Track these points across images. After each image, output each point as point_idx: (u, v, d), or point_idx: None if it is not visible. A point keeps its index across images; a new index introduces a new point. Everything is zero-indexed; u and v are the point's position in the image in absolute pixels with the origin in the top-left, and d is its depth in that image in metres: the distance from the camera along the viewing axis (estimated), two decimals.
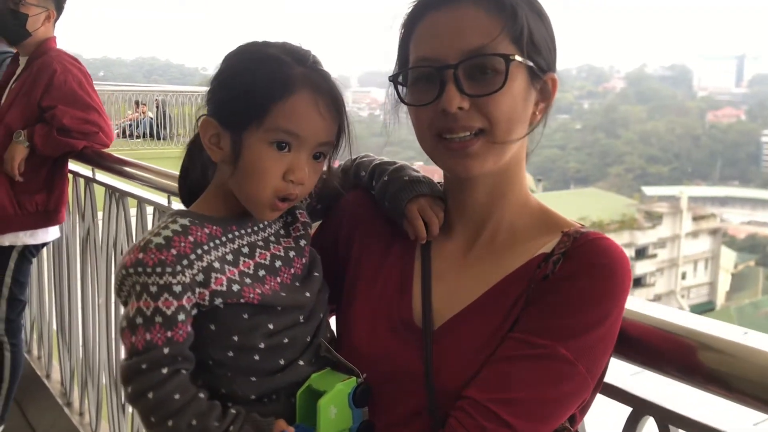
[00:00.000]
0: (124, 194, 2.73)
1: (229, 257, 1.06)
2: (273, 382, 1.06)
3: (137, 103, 14.93)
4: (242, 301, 1.03)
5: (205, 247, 1.04)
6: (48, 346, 3.66)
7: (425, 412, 1.01)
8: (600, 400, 1.13)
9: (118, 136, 13.86)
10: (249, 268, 1.07)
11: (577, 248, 1.00)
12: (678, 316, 1.08)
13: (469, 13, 1.00)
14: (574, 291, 0.98)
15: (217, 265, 1.03)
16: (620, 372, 1.14)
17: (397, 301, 1.10)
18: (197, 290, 1.01)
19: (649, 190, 58.62)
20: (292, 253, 1.13)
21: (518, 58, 0.99)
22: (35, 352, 3.81)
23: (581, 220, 1.10)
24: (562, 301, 0.98)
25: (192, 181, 1.18)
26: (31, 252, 3.08)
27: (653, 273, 42.17)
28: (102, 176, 2.97)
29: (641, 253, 43.44)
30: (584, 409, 1.05)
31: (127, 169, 2.73)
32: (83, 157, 3.00)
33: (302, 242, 1.16)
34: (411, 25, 1.06)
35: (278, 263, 1.11)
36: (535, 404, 0.94)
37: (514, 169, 1.08)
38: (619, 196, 55.15)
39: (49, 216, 3.04)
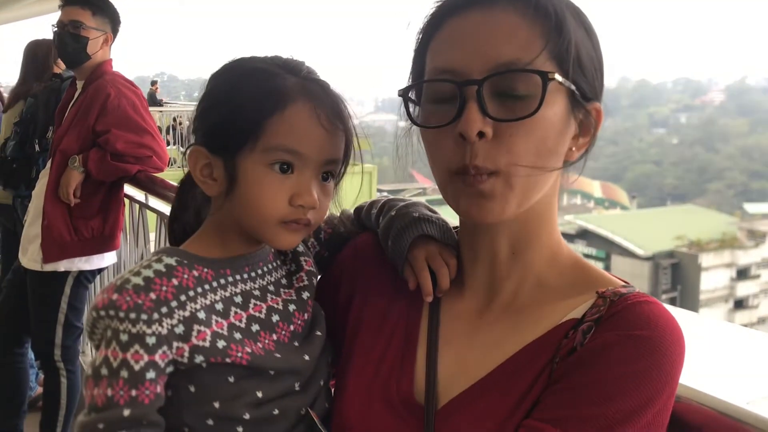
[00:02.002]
0: None
1: (218, 306, 0.92)
2: None
3: None
4: (228, 360, 0.89)
5: (191, 293, 0.90)
6: None
7: None
8: None
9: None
10: (240, 321, 0.93)
11: (614, 314, 0.81)
12: (754, 399, 0.87)
13: (503, 19, 0.81)
14: (607, 369, 0.78)
15: (201, 315, 0.89)
16: None
17: (397, 372, 0.93)
18: (174, 344, 0.87)
19: (751, 207, 55.94)
20: (292, 307, 0.98)
21: (558, 77, 0.80)
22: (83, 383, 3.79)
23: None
24: (591, 381, 0.78)
25: (183, 224, 1.04)
26: (86, 278, 3.06)
27: (756, 295, 40.27)
28: (154, 202, 2.93)
29: (743, 274, 41.66)
30: None
31: None
32: (137, 182, 2.96)
33: (305, 295, 1.01)
34: (430, 30, 0.87)
35: (275, 318, 0.96)
36: None
37: (543, 213, 0.89)
38: (719, 214, 53.01)
39: (104, 242, 3.02)
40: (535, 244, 0.90)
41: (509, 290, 0.91)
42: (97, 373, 0.86)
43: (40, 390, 3.69)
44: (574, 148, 0.86)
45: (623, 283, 0.87)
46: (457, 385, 0.87)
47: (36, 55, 3.74)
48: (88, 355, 3.84)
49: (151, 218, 2.98)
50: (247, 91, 0.91)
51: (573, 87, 0.82)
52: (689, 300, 39.84)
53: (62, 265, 2.94)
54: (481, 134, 0.80)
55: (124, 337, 0.86)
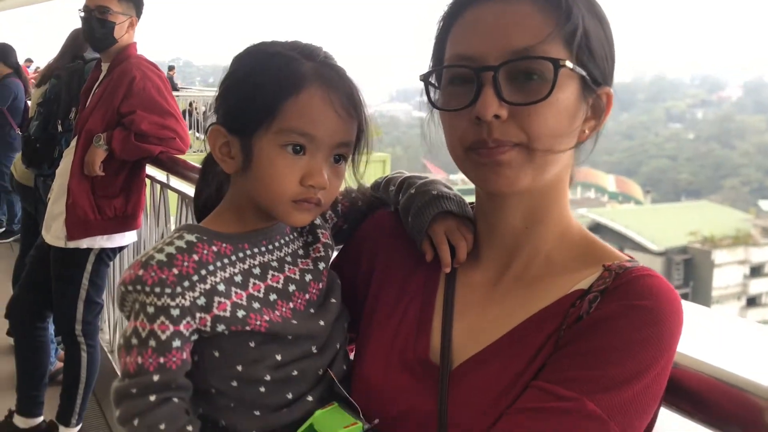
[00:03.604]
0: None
1: (238, 279, 0.98)
2: (278, 418, 0.97)
3: None
4: (248, 328, 0.95)
5: (211, 267, 0.96)
6: None
7: None
8: None
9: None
10: (259, 292, 0.99)
11: (618, 286, 0.86)
12: (746, 368, 0.93)
13: (518, 9, 0.86)
14: (610, 336, 0.83)
15: (222, 287, 0.95)
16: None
17: (414, 335, 0.99)
18: (198, 315, 0.94)
19: (766, 205, 55.58)
20: (308, 277, 1.04)
21: (569, 64, 0.85)
22: (117, 352, 3.88)
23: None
24: (596, 347, 0.84)
25: (206, 200, 1.10)
26: (107, 255, 3.13)
27: None
28: (176, 182, 2.99)
29: (757, 271, 41.43)
30: None
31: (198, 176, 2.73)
32: (159, 163, 3.03)
33: (321, 265, 1.07)
34: (451, 18, 0.93)
35: (292, 287, 1.02)
36: None
37: (555, 191, 0.95)
38: (733, 210, 52.69)
39: (126, 221, 3.08)
40: (546, 219, 0.95)
41: (521, 263, 0.97)
42: (128, 342, 0.93)
43: (59, 365, 3.78)
44: (586, 130, 0.92)
45: (628, 258, 0.92)
46: (470, 348, 0.93)
47: (76, 40, 3.81)
48: (105, 332, 3.93)
49: (173, 198, 3.05)
50: (265, 75, 0.96)
51: (584, 73, 0.87)
52: (701, 296, 39.69)
53: (85, 243, 3.01)
54: (496, 117, 0.85)
55: (150, 310, 0.93)
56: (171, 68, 16.17)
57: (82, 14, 3.00)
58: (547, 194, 0.94)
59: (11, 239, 7.13)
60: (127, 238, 3.16)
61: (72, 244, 2.99)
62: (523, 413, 0.84)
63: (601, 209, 53.93)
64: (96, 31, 2.98)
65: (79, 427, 3.24)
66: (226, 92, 1.00)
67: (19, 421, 3.27)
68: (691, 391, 0.92)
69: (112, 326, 3.98)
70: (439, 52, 0.95)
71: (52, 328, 3.38)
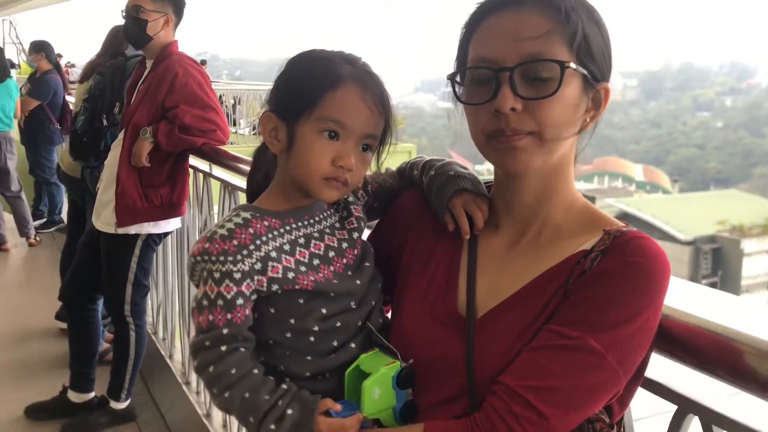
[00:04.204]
0: (236, 188, 2.92)
1: (286, 247, 1.16)
2: (326, 362, 1.15)
3: None
4: (297, 287, 1.13)
5: (264, 239, 1.14)
6: (171, 328, 3.94)
7: (465, 395, 1.07)
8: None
9: (248, 133, 14.49)
10: (304, 258, 1.17)
11: (615, 246, 1.03)
12: (727, 318, 1.08)
13: (529, 18, 1.03)
14: (608, 287, 1.01)
15: (273, 254, 1.13)
16: (671, 371, 1.16)
17: (443, 292, 1.17)
18: (255, 277, 1.11)
19: None
20: (345, 245, 1.22)
21: (572, 65, 1.02)
22: (160, 333, 4.11)
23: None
24: (596, 296, 1.01)
25: (257, 181, 1.29)
26: (154, 241, 3.32)
27: None
28: (218, 171, 3.18)
29: None
30: (623, 401, 1.08)
31: (240, 165, 2.91)
32: (202, 154, 3.21)
33: (355, 235, 1.25)
34: (472, 25, 1.10)
35: (331, 253, 1.20)
36: (564, 392, 0.98)
37: (561, 170, 1.12)
38: (763, 199, 52.03)
39: (172, 208, 3.27)
40: (554, 194, 1.13)
41: (534, 231, 1.14)
42: (200, 304, 1.12)
43: (106, 346, 4.00)
44: (588, 119, 1.09)
45: (624, 224, 1.09)
46: (491, 301, 1.11)
47: (115, 37, 4.03)
48: (148, 314, 4.14)
49: (215, 186, 3.23)
50: (311, 72, 1.15)
51: (585, 71, 1.04)
52: (730, 285, 39.36)
53: (133, 229, 3.20)
54: (512, 109, 1.03)
55: (216, 275, 1.11)
56: (203, 62, 16.46)
57: (123, 14, 3.19)
58: (555, 174, 1.12)
59: (53, 229, 7.40)
60: (172, 224, 3.35)
61: (121, 230, 3.18)
62: (536, 351, 1.02)
63: (628, 199, 53.62)
64: (131, 29, 3.17)
65: (128, 402, 3.46)
66: (278, 86, 1.19)
67: (73, 396, 3.49)
68: (682, 339, 1.07)
69: (155, 309, 4.20)
70: (462, 54, 1.13)
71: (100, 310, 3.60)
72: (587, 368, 0.98)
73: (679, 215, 44.50)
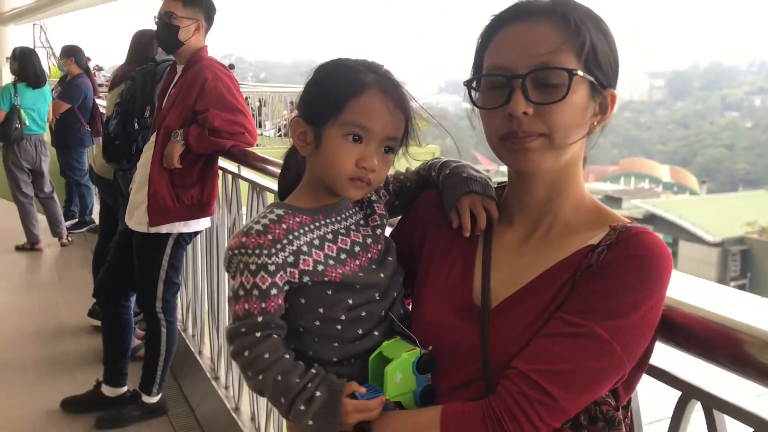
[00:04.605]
0: (264, 189, 3.01)
1: (316, 242, 1.24)
2: (352, 348, 1.23)
3: (292, 103, 15.67)
4: (326, 279, 1.21)
5: (296, 234, 1.22)
6: (200, 325, 4.05)
7: (480, 379, 1.15)
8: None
9: (273, 135, 14.65)
10: (332, 252, 1.25)
11: (620, 241, 1.11)
12: (727, 308, 1.15)
13: (540, 29, 1.11)
14: (613, 278, 1.08)
15: (305, 248, 1.22)
16: (674, 358, 1.22)
17: (460, 284, 1.25)
18: (288, 270, 1.20)
19: None
20: (369, 240, 1.31)
21: (580, 73, 1.10)
22: (190, 330, 4.22)
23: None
24: (602, 287, 1.08)
25: (287, 180, 1.38)
26: (185, 240, 3.42)
27: None
28: (246, 172, 3.27)
29: None
30: (628, 386, 1.15)
31: (268, 166, 3.00)
32: (231, 155, 3.30)
33: (378, 231, 1.33)
34: (488, 35, 1.18)
35: (357, 248, 1.28)
36: (572, 376, 1.06)
37: (571, 169, 1.19)
38: None
39: (202, 208, 3.37)
40: (563, 193, 1.20)
41: (544, 226, 1.22)
42: (237, 294, 1.20)
43: (137, 342, 4.13)
44: (595, 123, 1.16)
45: (629, 220, 1.17)
46: (504, 292, 1.19)
47: (140, 43, 4.16)
48: (178, 312, 4.25)
49: (243, 187, 3.32)
50: (336, 80, 1.23)
51: (592, 78, 1.12)
52: (759, 287, 38.81)
53: (164, 228, 3.30)
54: (524, 113, 1.10)
55: (252, 267, 1.19)
56: (231, 66, 16.67)
57: (156, 20, 3.30)
58: (564, 173, 1.19)
59: (84, 229, 7.57)
60: (202, 223, 3.45)
61: (153, 230, 3.28)
62: (547, 338, 1.09)
63: (655, 200, 53.14)
64: (163, 34, 3.28)
65: (159, 396, 3.57)
66: (306, 92, 1.28)
67: (107, 390, 3.62)
68: (687, 329, 1.14)
69: (184, 307, 4.31)
70: (478, 61, 1.20)
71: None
72: (594, 354, 1.06)
73: (707, 216, 44.03)
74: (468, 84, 1.20)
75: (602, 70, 1.13)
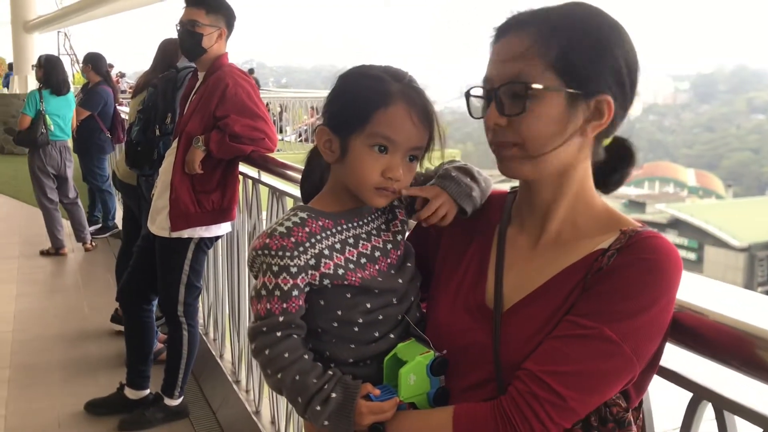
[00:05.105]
0: (284, 194, 3.05)
1: (337, 246, 1.26)
2: (368, 350, 1.25)
3: (313, 108, 15.75)
4: (346, 283, 1.23)
5: (318, 237, 1.24)
6: (221, 329, 4.09)
7: (493, 380, 1.16)
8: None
9: (294, 140, 14.74)
10: (353, 256, 1.27)
11: (630, 245, 1.11)
12: (737, 311, 1.15)
13: (516, 42, 1.13)
14: (622, 281, 1.09)
15: (326, 252, 1.24)
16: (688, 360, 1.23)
17: (473, 287, 1.26)
18: (309, 272, 1.22)
19: None
20: (389, 246, 1.32)
21: (536, 85, 1.10)
22: (211, 334, 4.26)
23: None
24: (611, 289, 1.09)
25: (311, 183, 1.39)
26: (206, 244, 3.46)
27: None
28: (266, 178, 3.30)
29: None
30: (639, 387, 1.15)
31: (288, 171, 3.04)
32: (251, 161, 3.34)
33: (399, 237, 1.35)
34: (490, 48, 1.20)
35: (377, 253, 1.30)
36: (582, 377, 1.07)
37: (572, 174, 1.19)
38: None
39: (223, 213, 3.40)
40: (570, 194, 1.21)
41: (554, 230, 1.23)
42: (259, 294, 1.23)
43: (160, 345, 4.17)
44: (588, 128, 1.15)
45: (640, 224, 1.17)
46: (516, 295, 1.20)
47: (166, 50, 4.22)
48: (199, 316, 4.30)
49: (263, 192, 3.35)
50: (362, 90, 1.25)
51: (566, 88, 1.11)
52: None
53: (186, 233, 3.34)
54: (498, 125, 1.14)
55: (275, 268, 1.22)
56: (251, 71, 16.83)
57: (178, 28, 3.35)
58: (566, 178, 1.19)
59: (107, 234, 7.66)
60: (223, 228, 3.48)
61: (175, 234, 3.32)
62: (557, 339, 1.11)
63: (680, 204, 52.63)
64: (186, 42, 3.31)
65: (181, 399, 3.61)
66: (331, 101, 1.29)
67: (129, 392, 3.66)
68: (698, 332, 1.14)
69: (206, 311, 4.35)
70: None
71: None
72: (603, 355, 1.07)
73: (734, 221, 43.54)
74: (467, 94, 1.22)
75: (580, 78, 1.11)
